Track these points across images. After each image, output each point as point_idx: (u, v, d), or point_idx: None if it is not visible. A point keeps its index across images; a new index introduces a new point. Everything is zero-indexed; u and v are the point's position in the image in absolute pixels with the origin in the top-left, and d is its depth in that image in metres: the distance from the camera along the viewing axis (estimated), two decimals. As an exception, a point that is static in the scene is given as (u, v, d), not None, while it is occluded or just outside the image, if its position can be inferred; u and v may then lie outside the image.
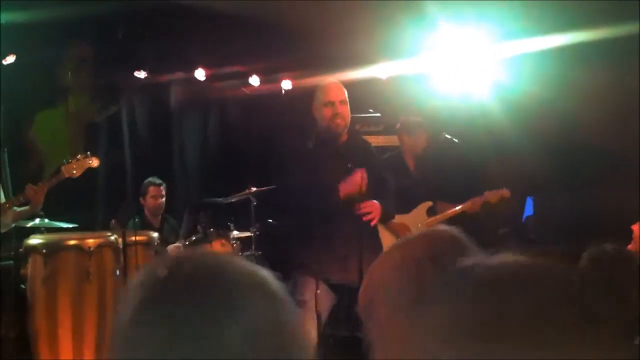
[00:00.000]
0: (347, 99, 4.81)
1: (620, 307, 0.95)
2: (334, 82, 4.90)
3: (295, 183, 4.48)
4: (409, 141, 6.57)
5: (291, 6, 6.69)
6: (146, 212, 7.16)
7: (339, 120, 4.67)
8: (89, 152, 5.64)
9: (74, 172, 5.46)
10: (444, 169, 6.56)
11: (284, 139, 4.88)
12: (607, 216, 6.24)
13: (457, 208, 6.41)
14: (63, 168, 5.43)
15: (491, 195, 6.46)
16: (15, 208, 5.40)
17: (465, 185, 6.68)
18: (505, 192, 6.48)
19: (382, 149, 6.93)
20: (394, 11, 6.79)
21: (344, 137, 4.79)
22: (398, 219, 6.38)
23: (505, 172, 6.82)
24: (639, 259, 2.39)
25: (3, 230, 5.45)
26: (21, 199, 5.30)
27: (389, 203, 4.94)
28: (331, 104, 4.66)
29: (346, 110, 4.76)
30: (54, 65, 7.79)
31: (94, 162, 5.61)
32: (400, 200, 6.34)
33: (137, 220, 5.95)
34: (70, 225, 6.16)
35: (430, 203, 6.47)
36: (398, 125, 6.69)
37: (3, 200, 5.46)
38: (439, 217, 6.43)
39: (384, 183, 4.94)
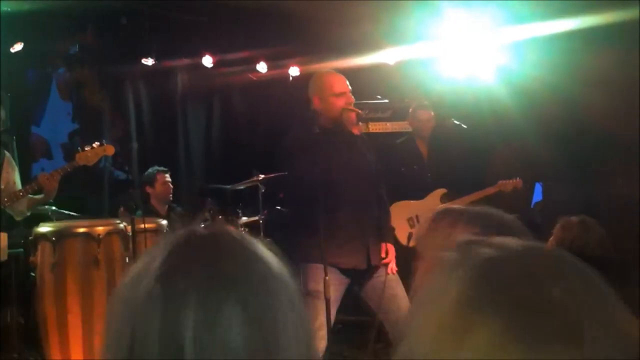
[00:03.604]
0: None
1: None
2: (336, 73, 4.86)
3: (301, 170, 4.48)
4: (418, 124, 6.61)
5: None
6: (154, 200, 7.14)
7: (352, 112, 4.64)
8: (104, 140, 5.63)
9: (89, 160, 5.46)
10: (455, 155, 6.58)
11: (291, 126, 4.84)
12: (614, 200, 6.25)
13: (470, 197, 6.45)
14: (77, 156, 5.42)
15: (504, 185, 6.50)
16: (29, 196, 5.40)
17: (471, 169, 6.70)
18: (519, 182, 6.53)
19: (390, 135, 6.95)
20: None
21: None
22: (411, 205, 6.40)
23: (513, 157, 6.81)
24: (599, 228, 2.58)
25: (19, 218, 5.46)
26: (34, 186, 5.30)
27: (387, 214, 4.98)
28: (343, 94, 4.63)
29: None
30: (60, 54, 7.81)
31: (109, 150, 5.61)
32: (414, 186, 6.36)
33: (139, 212, 5.93)
34: (75, 215, 6.17)
35: (444, 190, 6.48)
36: (410, 111, 6.72)
37: (19, 187, 5.46)
38: (452, 204, 6.44)
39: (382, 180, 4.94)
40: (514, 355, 0.83)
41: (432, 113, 6.65)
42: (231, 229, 1.16)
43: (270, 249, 1.14)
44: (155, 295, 1.02)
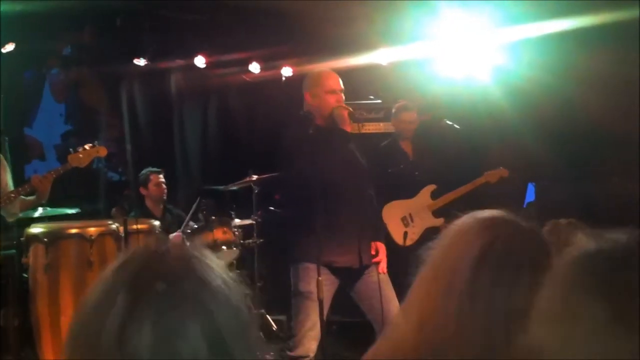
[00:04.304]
0: None
1: None
2: (331, 71, 4.86)
3: (300, 170, 4.45)
4: (401, 125, 6.63)
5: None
6: (148, 201, 7.10)
7: (345, 110, 4.63)
8: (96, 142, 5.59)
9: (81, 161, 5.41)
10: (446, 154, 6.60)
11: (285, 127, 4.82)
12: (613, 200, 6.23)
13: (460, 190, 6.47)
14: (70, 157, 5.38)
15: (490, 176, 6.55)
16: (22, 197, 5.36)
17: (465, 169, 6.71)
18: (504, 171, 6.59)
19: (383, 136, 6.94)
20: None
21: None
22: (403, 204, 6.38)
23: (507, 158, 6.80)
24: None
25: (11, 220, 5.42)
26: (27, 188, 5.26)
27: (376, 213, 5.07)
28: (334, 92, 4.63)
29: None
30: (57, 53, 7.78)
31: (102, 152, 5.58)
32: (403, 185, 6.36)
33: (133, 214, 5.89)
34: (73, 211, 6.11)
35: (434, 186, 6.49)
36: (393, 112, 6.74)
37: (12, 189, 5.42)
38: (443, 199, 6.46)
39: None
40: (618, 339, 0.94)
41: (416, 114, 6.67)
42: (183, 246, 1.19)
43: (221, 266, 1.18)
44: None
